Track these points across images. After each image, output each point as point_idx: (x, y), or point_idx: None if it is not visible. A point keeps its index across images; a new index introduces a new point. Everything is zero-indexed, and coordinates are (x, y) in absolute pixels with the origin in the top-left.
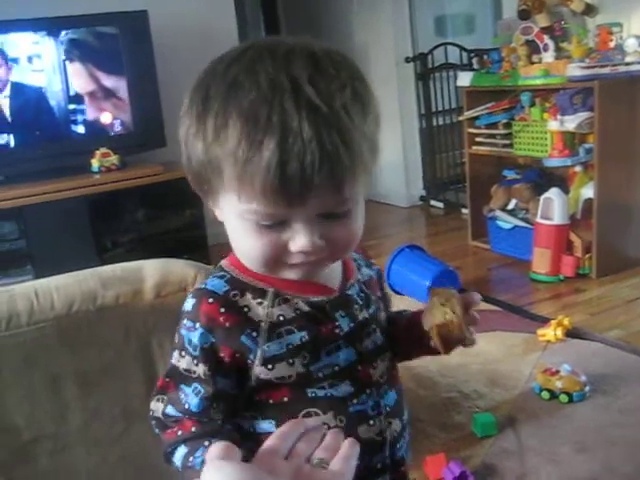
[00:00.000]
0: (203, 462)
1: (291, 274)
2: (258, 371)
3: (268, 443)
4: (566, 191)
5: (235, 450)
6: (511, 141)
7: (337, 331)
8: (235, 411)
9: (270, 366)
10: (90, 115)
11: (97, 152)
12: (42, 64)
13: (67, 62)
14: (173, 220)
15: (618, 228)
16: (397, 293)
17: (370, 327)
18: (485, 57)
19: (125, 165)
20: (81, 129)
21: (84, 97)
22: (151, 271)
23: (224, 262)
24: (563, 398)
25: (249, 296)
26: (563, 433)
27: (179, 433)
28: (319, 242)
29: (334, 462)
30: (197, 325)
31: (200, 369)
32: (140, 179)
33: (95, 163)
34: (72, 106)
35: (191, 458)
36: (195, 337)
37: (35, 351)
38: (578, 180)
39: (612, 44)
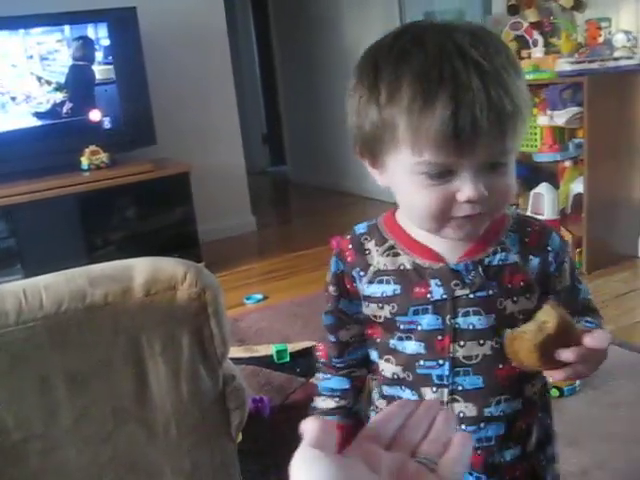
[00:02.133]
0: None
1: (454, 232)
2: (362, 304)
3: (370, 425)
4: (556, 186)
5: (331, 433)
6: None
7: (428, 296)
8: (362, 341)
9: (367, 303)
10: (79, 113)
11: (86, 150)
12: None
13: (55, 59)
14: (163, 218)
15: (608, 223)
16: None
17: (471, 308)
18: None
19: (115, 163)
20: (70, 127)
21: (73, 94)
22: (140, 269)
23: (382, 215)
24: (554, 392)
25: (373, 243)
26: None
27: (319, 354)
28: (484, 191)
29: (443, 463)
30: (334, 254)
31: (336, 292)
32: (130, 177)
33: (85, 161)
34: (61, 103)
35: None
36: (333, 264)
37: (24, 351)
38: (568, 175)
39: (601, 39)
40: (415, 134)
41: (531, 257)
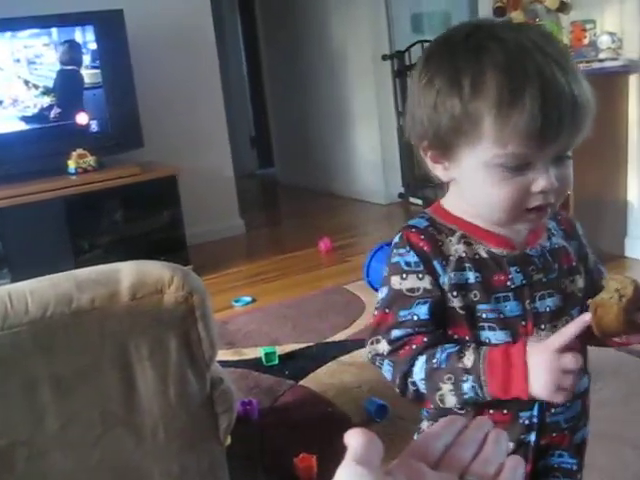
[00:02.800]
0: (448, 356)
1: (528, 223)
2: (446, 298)
3: (417, 441)
4: None
5: (377, 447)
6: None
7: (508, 283)
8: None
9: (455, 293)
10: (67, 117)
11: (74, 153)
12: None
13: (43, 62)
14: (151, 221)
15: (594, 222)
16: (377, 290)
17: (545, 291)
18: None
19: (102, 166)
20: (57, 131)
21: (61, 98)
22: (127, 273)
23: (428, 209)
24: None
25: (443, 234)
26: None
27: (414, 347)
28: (556, 182)
29: None
30: (408, 248)
31: (426, 280)
32: (117, 180)
33: (72, 164)
34: (48, 107)
35: (434, 360)
36: (412, 257)
37: (10, 356)
38: None
39: (586, 41)
40: (502, 127)
41: (570, 241)
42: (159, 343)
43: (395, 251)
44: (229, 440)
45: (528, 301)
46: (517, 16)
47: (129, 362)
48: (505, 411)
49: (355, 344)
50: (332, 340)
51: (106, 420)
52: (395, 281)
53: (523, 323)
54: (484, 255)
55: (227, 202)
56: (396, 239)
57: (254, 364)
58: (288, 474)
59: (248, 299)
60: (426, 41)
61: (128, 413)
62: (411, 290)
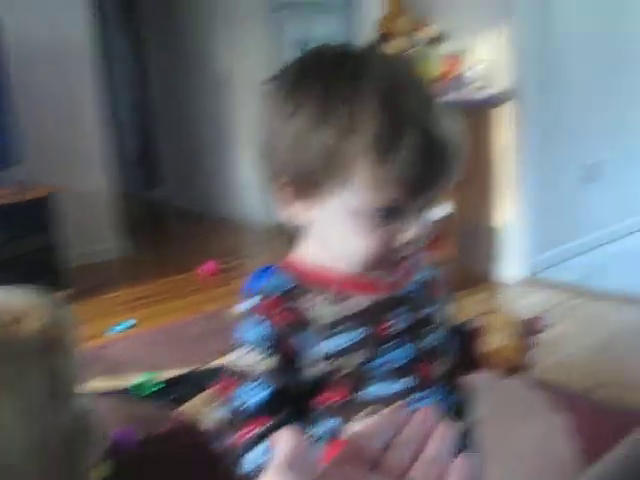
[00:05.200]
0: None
1: (391, 273)
2: (317, 368)
3: (352, 441)
4: None
5: (307, 451)
6: None
7: (393, 329)
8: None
9: (331, 360)
10: None
11: None
12: None
13: None
14: (26, 244)
15: (466, 246)
16: None
17: (430, 325)
18: None
19: None
20: None
21: None
22: None
23: (282, 265)
24: None
25: (310, 295)
26: None
27: (256, 431)
28: (423, 230)
29: None
30: (263, 319)
31: (269, 362)
32: None
33: None
34: None
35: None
36: (262, 331)
37: None
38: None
39: (459, 71)
40: (377, 171)
41: (432, 270)
42: (18, 377)
43: (249, 317)
44: (106, 472)
45: (419, 340)
46: (398, 44)
47: None
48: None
49: None
50: (212, 366)
51: None
52: (239, 353)
53: (420, 364)
54: (366, 305)
55: (109, 223)
56: (248, 303)
57: (132, 392)
58: None
59: (128, 324)
60: None
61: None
62: (253, 367)
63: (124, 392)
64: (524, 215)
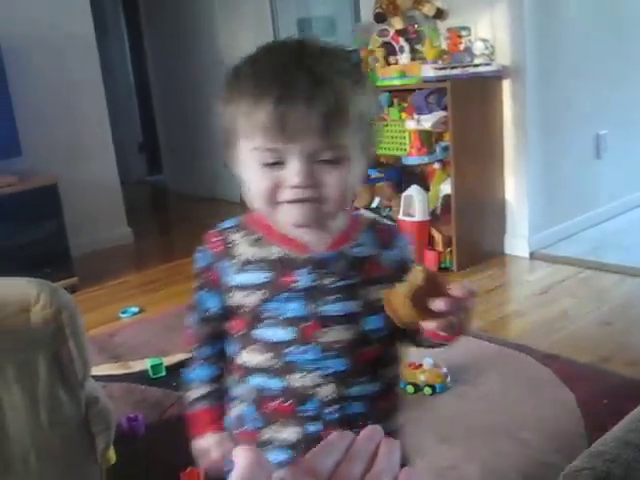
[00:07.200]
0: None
1: (285, 216)
2: (233, 299)
3: (306, 459)
4: (426, 188)
5: (265, 467)
6: None
7: (294, 285)
8: (222, 334)
9: (232, 294)
10: None
11: None
12: None
13: None
14: (31, 233)
15: (474, 222)
16: None
17: (335, 295)
18: None
19: None
20: None
21: None
22: None
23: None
24: (427, 390)
25: (240, 234)
26: (427, 424)
27: (199, 335)
28: (309, 179)
29: None
30: (202, 248)
31: (200, 285)
32: None
33: None
34: None
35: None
36: (199, 258)
37: None
38: (437, 177)
39: (462, 46)
40: (248, 124)
41: (384, 250)
42: (27, 365)
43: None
44: (114, 458)
45: (315, 304)
46: (396, 22)
47: None
48: (288, 402)
49: None
50: None
51: None
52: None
53: (307, 324)
54: (277, 256)
55: (113, 210)
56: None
57: (141, 377)
58: None
59: (135, 310)
60: None
61: None
62: (195, 288)
63: (132, 377)
64: (532, 189)
